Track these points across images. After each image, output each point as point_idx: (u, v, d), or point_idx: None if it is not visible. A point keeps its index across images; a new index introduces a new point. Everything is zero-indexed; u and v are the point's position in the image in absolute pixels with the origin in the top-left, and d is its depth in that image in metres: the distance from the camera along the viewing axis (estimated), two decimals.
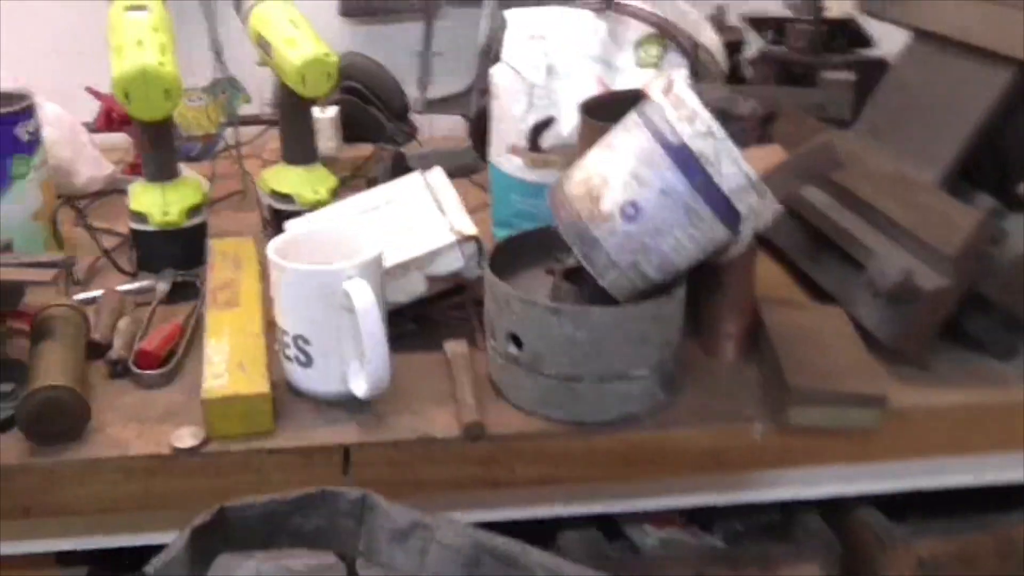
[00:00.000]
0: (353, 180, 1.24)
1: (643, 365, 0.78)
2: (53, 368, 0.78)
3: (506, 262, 0.85)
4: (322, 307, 0.77)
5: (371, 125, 1.29)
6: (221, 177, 1.33)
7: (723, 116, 0.76)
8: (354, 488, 0.68)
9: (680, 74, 0.76)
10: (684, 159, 0.71)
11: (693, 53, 1.02)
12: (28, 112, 1.01)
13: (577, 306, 0.76)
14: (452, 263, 0.88)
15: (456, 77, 1.33)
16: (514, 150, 1.04)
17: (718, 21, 1.33)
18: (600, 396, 0.78)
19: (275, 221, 1.09)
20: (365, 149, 1.30)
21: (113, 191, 1.27)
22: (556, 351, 0.77)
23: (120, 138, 1.36)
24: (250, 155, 1.35)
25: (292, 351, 0.80)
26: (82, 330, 0.87)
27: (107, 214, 1.21)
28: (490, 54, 1.32)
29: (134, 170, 1.29)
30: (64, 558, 0.96)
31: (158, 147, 1.03)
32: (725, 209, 0.72)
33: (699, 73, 1.03)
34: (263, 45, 1.03)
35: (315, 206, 1.06)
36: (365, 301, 0.75)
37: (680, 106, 0.71)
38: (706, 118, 0.70)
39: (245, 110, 1.34)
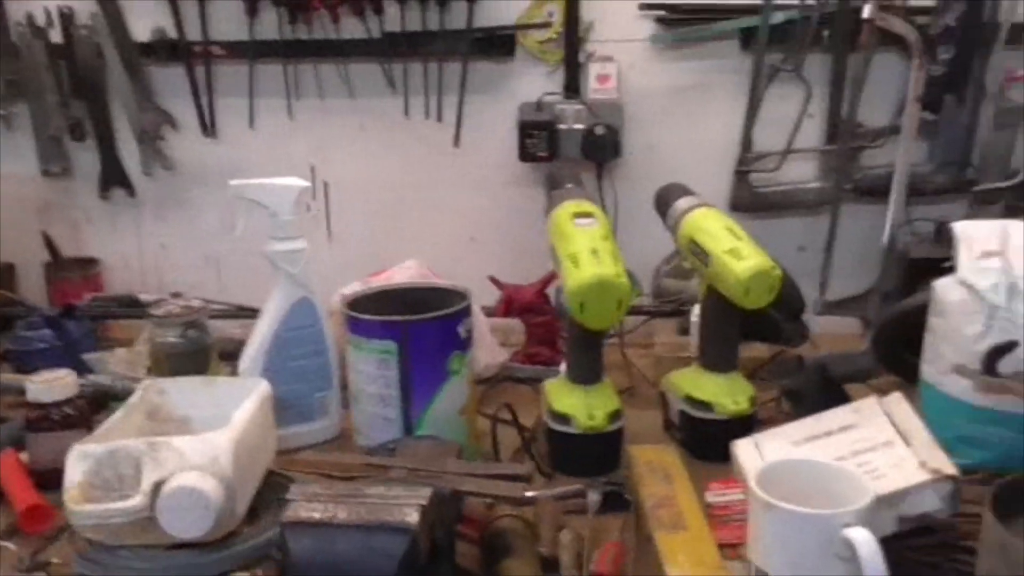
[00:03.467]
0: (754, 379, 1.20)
1: None
2: None
3: (1009, 505, 0.75)
4: (815, 554, 0.71)
5: (766, 326, 1.24)
6: (610, 368, 1.32)
7: None
8: None
9: None
10: None
11: None
12: (468, 311, 1.05)
13: None
14: (926, 503, 0.80)
15: (852, 277, 1.28)
16: (962, 371, 0.96)
17: None
18: None
19: (687, 427, 1.06)
20: (758, 350, 1.26)
21: (505, 378, 1.31)
22: None
23: (506, 321, 1.39)
24: (631, 344, 1.35)
25: None
26: (531, 543, 0.86)
27: (499, 403, 1.22)
28: (893, 254, 1.27)
29: (526, 360, 1.32)
30: None
31: (588, 351, 1.03)
32: None
33: None
34: (697, 252, 1.03)
35: (735, 417, 1.02)
36: (870, 554, 0.68)
37: None
38: None
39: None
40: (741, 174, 1.40)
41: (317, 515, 0.67)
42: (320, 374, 1.13)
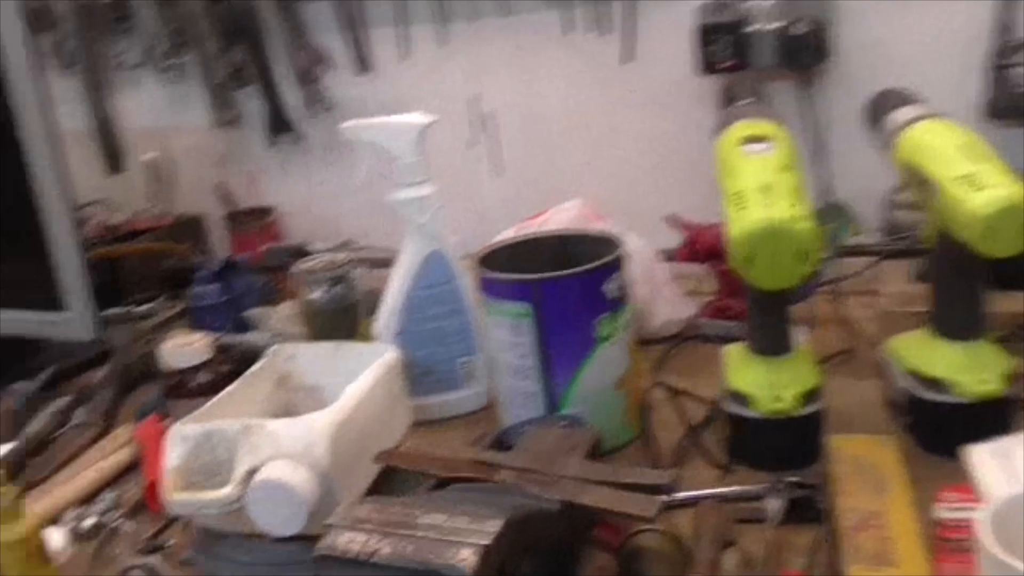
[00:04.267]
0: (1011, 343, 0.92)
1: None
2: None
3: None
4: None
5: None
6: (821, 323, 1.08)
7: None
8: None
9: None
10: None
11: None
12: (617, 264, 0.86)
13: None
14: None
15: None
16: None
17: None
18: None
19: (915, 411, 0.81)
20: (1014, 301, 0.97)
21: (692, 337, 1.10)
22: None
23: (694, 267, 1.18)
24: (852, 292, 1.10)
25: None
26: (680, 567, 0.67)
27: (682, 367, 1.03)
28: None
29: (717, 314, 1.10)
30: None
31: (771, 315, 0.81)
32: None
33: None
34: (920, 181, 0.77)
35: (981, 401, 0.76)
36: None
37: None
38: None
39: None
40: (999, 70, 1.08)
41: (356, 548, 0.52)
42: (461, 337, 0.99)
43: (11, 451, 0.97)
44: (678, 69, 1.23)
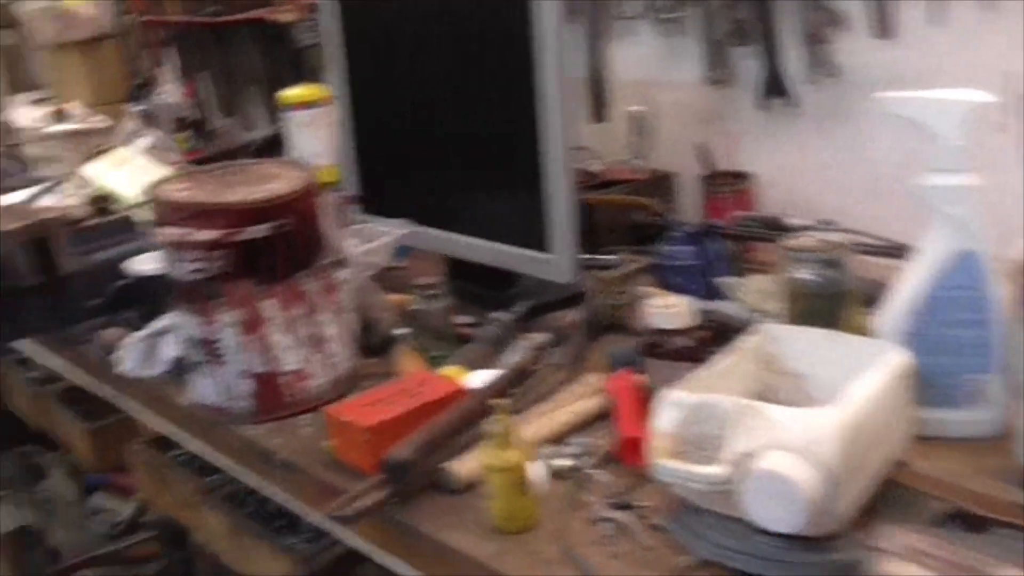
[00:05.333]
0: None
1: None
2: None
3: None
4: None
5: None
6: None
7: None
8: None
9: None
10: None
11: None
12: None
13: None
14: None
15: None
16: None
17: None
18: None
19: None
20: None
21: None
22: None
23: None
24: None
25: None
26: None
27: None
28: None
29: None
30: None
31: None
32: None
33: None
34: None
35: None
36: None
37: None
38: None
39: None
40: None
41: None
42: (978, 351, 0.87)
43: (500, 377, 1.01)
44: None
